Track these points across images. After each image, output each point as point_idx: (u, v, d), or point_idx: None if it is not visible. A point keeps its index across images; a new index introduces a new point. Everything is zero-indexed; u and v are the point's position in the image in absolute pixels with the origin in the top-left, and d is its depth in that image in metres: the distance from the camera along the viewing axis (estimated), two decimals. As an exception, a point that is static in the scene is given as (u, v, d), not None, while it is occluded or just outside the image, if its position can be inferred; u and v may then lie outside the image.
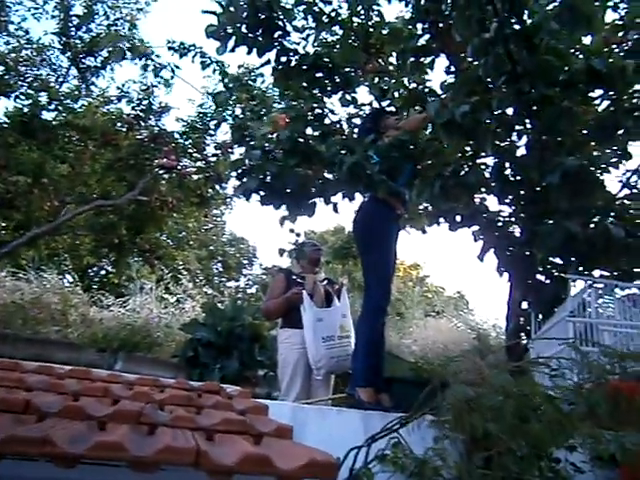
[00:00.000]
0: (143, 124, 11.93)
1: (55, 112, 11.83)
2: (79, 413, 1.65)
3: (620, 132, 4.36)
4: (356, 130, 5.26)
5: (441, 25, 4.72)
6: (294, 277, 4.42)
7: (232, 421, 1.78)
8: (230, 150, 9.05)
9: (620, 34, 4.56)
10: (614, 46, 4.32)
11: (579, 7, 3.24)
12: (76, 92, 12.08)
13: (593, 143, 4.61)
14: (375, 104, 5.82)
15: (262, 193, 4.14)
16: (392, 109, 5.77)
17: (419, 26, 4.91)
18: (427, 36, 4.84)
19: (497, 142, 4.27)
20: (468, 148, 4.71)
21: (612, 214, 4.92)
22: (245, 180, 4.10)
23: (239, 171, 4.22)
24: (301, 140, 3.98)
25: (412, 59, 5.04)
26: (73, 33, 11.74)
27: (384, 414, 2.91)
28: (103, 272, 16.53)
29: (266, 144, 4.12)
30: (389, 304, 3.66)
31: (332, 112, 4.46)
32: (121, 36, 11.43)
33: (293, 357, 4.16)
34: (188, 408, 1.98)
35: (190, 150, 11.83)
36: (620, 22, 4.78)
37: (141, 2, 12.25)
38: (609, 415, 1.40)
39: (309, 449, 1.62)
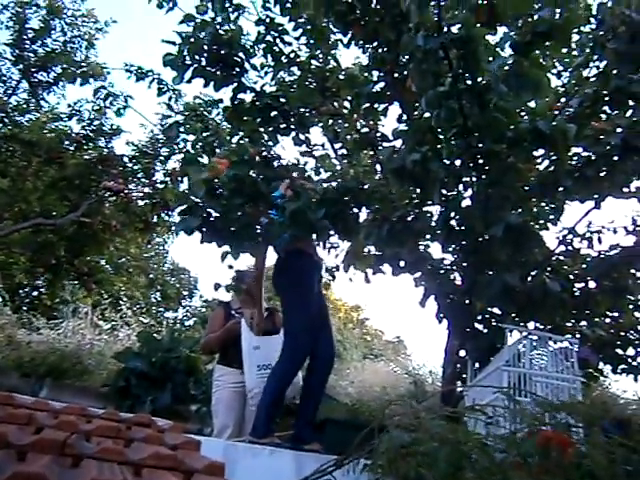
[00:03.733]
0: (92, 145, 11.70)
1: (0, 124, 11.51)
2: (-1, 441, 1.55)
3: (560, 190, 4.59)
4: (305, 173, 5.35)
5: (396, 74, 4.89)
6: (232, 312, 4.38)
7: (162, 456, 1.71)
8: (179, 179, 8.97)
9: (563, 100, 4.85)
10: (556, 111, 4.58)
11: (527, 74, 3.43)
12: (24, 106, 11.79)
13: (534, 199, 4.81)
14: (328, 146, 5.94)
15: (204, 230, 4.09)
16: (344, 151, 5.91)
17: (375, 73, 5.07)
18: (382, 83, 5.00)
19: (444, 191, 4.39)
20: (414, 195, 4.82)
21: (549, 269, 5.12)
22: (187, 217, 4.03)
23: (182, 207, 4.14)
24: (246, 181, 3.96)
25: (366, 104, 5.17)
26: (27, 46, 11.51)
27: (317, 455, 2.87)
28: (35, 293, 15.88)
29: (215, 181, 4.08)
30: (304, 352, 3.62)
31: (279, 157, 4.50)
32: (74, 61, 11.31)
33: (224, 395, 4.10)
34: (116, 440, 1.90)
35: (138, 175, 11.66)
36: (562, 89, 5.10)
37: (100, 22, 12.18)
38: (540, 465, 1.43)
39: (240, 489, 1.57)
